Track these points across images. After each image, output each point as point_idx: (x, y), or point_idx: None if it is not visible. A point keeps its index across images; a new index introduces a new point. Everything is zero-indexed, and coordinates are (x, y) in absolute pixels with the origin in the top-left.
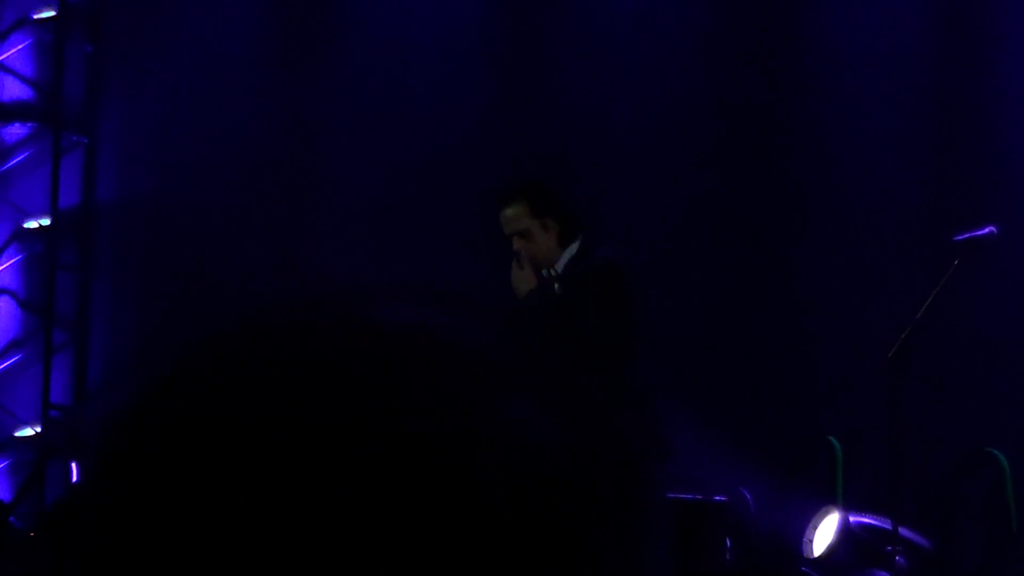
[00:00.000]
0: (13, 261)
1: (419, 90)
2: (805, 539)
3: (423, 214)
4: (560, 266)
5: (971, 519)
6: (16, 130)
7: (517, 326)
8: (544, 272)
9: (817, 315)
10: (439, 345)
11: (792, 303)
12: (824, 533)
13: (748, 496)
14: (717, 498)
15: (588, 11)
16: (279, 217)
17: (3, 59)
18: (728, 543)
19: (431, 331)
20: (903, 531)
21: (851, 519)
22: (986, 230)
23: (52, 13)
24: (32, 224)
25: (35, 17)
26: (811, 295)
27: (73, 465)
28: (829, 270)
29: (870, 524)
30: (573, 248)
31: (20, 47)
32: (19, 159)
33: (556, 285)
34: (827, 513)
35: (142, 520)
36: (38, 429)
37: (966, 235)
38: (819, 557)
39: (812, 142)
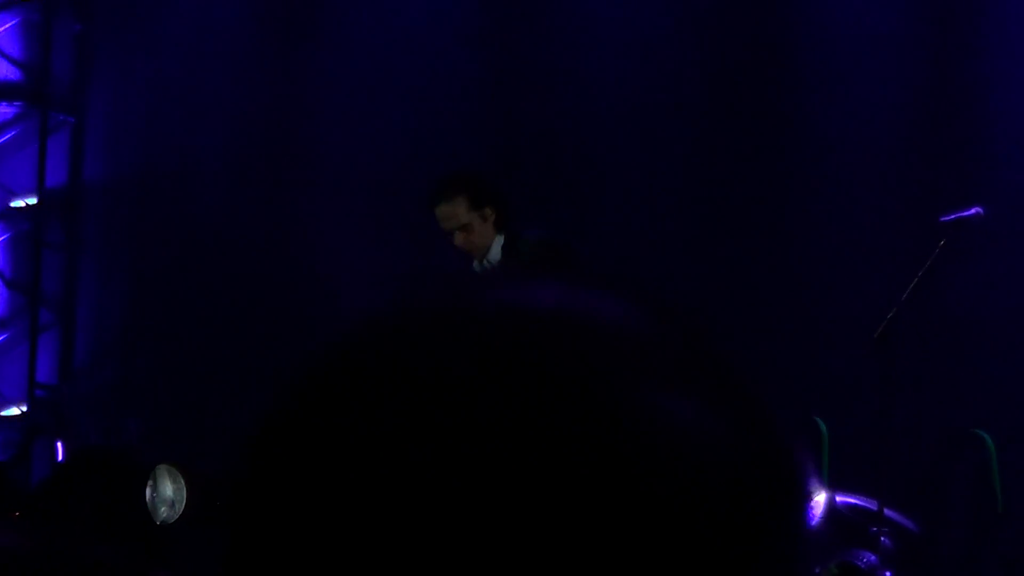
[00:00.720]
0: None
1: (409, 72)
2: None
3: (415, 195)
4: (493, 255)
5: (957, 500)
6: (3, 110)
7: (680, 314)
8: (477, 265)
9: (803, 295)
10: (604, 335)
11: (778, 283)
12: (810, 512)
13: None
14: None
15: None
16: (267, 197)
17: None
18: None
19: (595, 318)
20: (888, 512)
21: (837, 499)
22: (972, 211)
23: None
24: (19, 203)
25: None
26: (797, 275)
27: (59, 444)
28: (816, 250)
29: (856, 504)
30: (503, 235)
31: (7, 26)
32: (6, 138)
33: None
34: (813, 492)
35: (294, 523)
36: (24, 408)
37: (953, 216)
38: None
39: (798, 123)
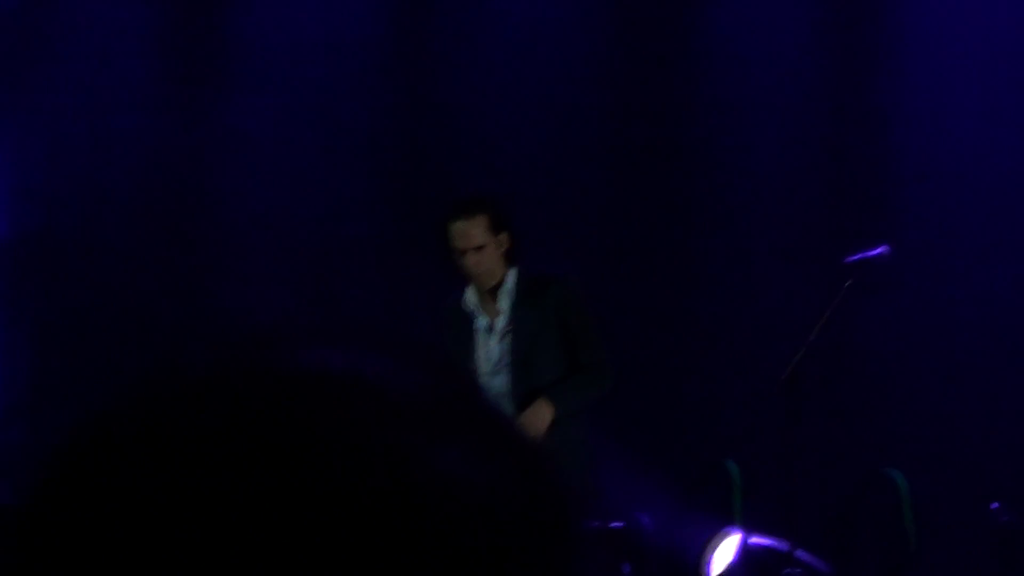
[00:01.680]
0: None
1: (317, 103)
2: (703, 560)
3: (327, 238)
4: (507, 288)
5: (869, 540)
6: None
7: (448, 371)
8: (472, 295)
9: (712, 336)
10: (368, 393)
11: (686, 324)
12: (723, 554)
13: (645, 520)
14: (614, 524)
15: (483, 16)
16: (178, 249)
17: None
18: (627, 569)
19: (359, 378)
20: (800, 553)
21: (749, 540)
22: (878, 250)
23: None
24: None
25: None
26: (705, 316)
27: None
28: (723, 290)
29: (768, 546)
30: (513, 268)
31: None
32: None
33: (500, 303)
34: (725, 535)
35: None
36: None
37: (858, 256)
38: None
39: (706, 158)
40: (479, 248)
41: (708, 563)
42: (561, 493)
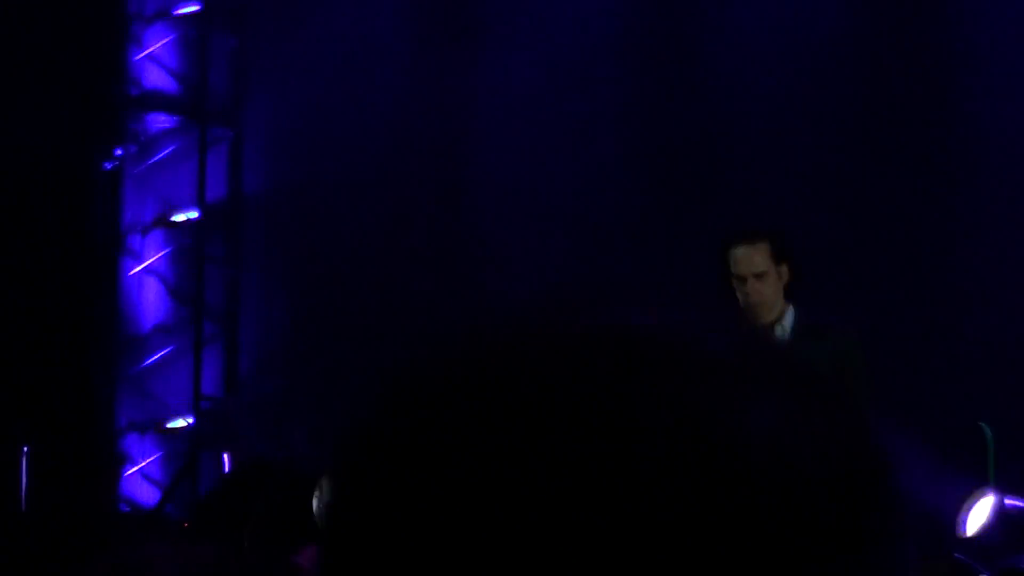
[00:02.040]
0: (162, 254)
1: (569, 78)
2: (959, 519)
3: (578, 209)
4: (786, 323)
5: None
6: (161, 120)
7: (755, 331)
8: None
9: (967, 301)
10: (683, 350)
11: (942, 287)
12: (978, 514)
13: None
14: None
15: None
16: (429, 207)
17: (148, 52)
18: None
19: (674, 335)
20: None
21: (1005, 502)
22: None
23: (196, 8)
24: (180, 217)
25: (178, 13)
26: (961, 278)
27: (225, 456)
28: (979, 256)
29: None
30: (789, 307)
31: (164, 41)
32: (165, 153)
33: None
34: (981, 495)
35: (384, 536)
36: (190, 420)
37: None
38: (973, 536)
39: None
40: (759, 275)
41: (963, 522)
42: (879, 453)
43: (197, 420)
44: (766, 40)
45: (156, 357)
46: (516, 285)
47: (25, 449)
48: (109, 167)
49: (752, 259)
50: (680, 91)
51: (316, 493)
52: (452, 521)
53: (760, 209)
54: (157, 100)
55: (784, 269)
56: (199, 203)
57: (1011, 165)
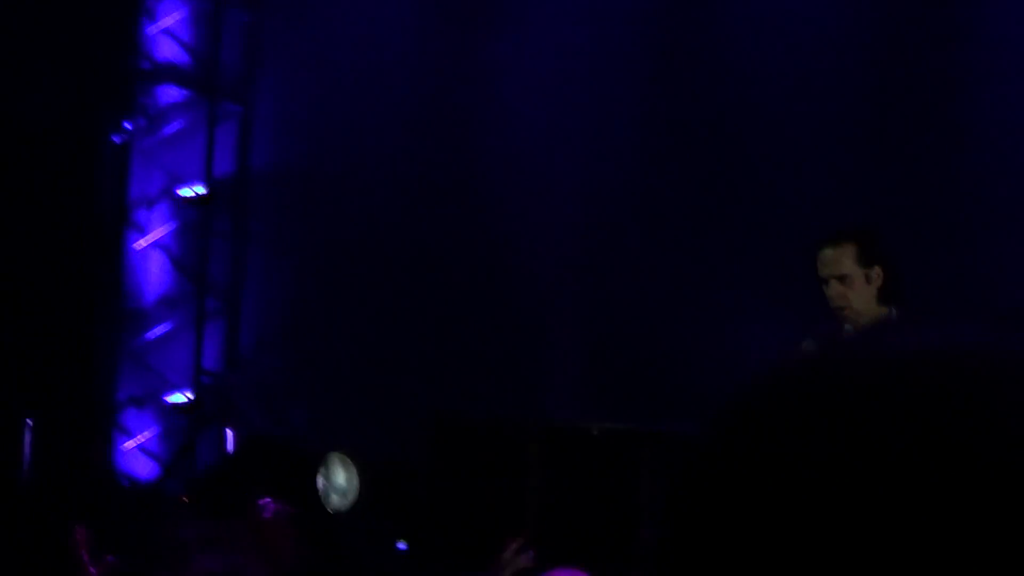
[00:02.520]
0: (168, 228)
1: (584, 62)
2: None
3: (590, 189)
4: None
5: None
6: (171, 93)
7: None
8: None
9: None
10: (997, 368)
11: (949, 281)
12: None
13: None
14: None
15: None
16: (438, 189)
17: (161, 25)
18: None
19: (991, 355)
20: None
21: None
22: None
23: None
24: (187, 191)
25: None
26: (970, 273)
27: (228, 433)
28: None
29: None
30: (893, 312)
31: (178, 15)
32: (175, 127)
33: None
34: None
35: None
36: (190, 395)
37: None
38: None
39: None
40: (842, 278)
41: None
42: None
43: (197, 395)
44: (783, 23)
45: (158, 331)
46: (524, 268)
47: (29, 422)
48: (118, 140)
49: (835, 261)
50: (698, 77)
51: (320, 472)
52: (803, 509)
53: (780, 202)
54: (168, 73)
55: (876, 272)
56: (206, 178)
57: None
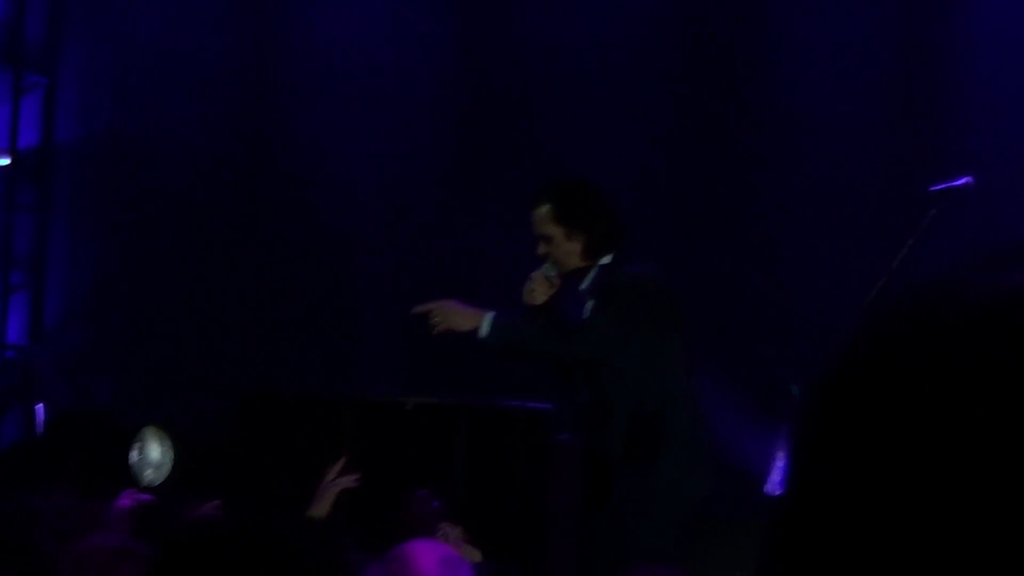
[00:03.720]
0: None
1: (388, 36)
2: (769, 479)
3: (389, 161)
4: (586, 282)
5: None
6: None
7: None
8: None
9: (796, 263)
10: None
11: (765, 255)
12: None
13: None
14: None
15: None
16: (239, 158)
17: None
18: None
19: None
20: None
21: None
22: (963, 180)
23: None
24: None
25: None
26: (787, 248)
27: (40, 408)
28: (804, 223)
29: None
30: (605, 261)
31: None
32: None
33: (587, 304)
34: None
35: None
36: None
37: (943, 185)
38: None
39: (786, 92)
40: (545, 238)
41: (775, 482)
42: None
43: (1, 370)
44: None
45: None
46: (336, 243)
47: None
48: None
49: (536, 222)
50: (495, 55)
51: (135, 446)
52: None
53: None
54: None
55: (575, 231)
56: (11, 150)
57: (835, 122)
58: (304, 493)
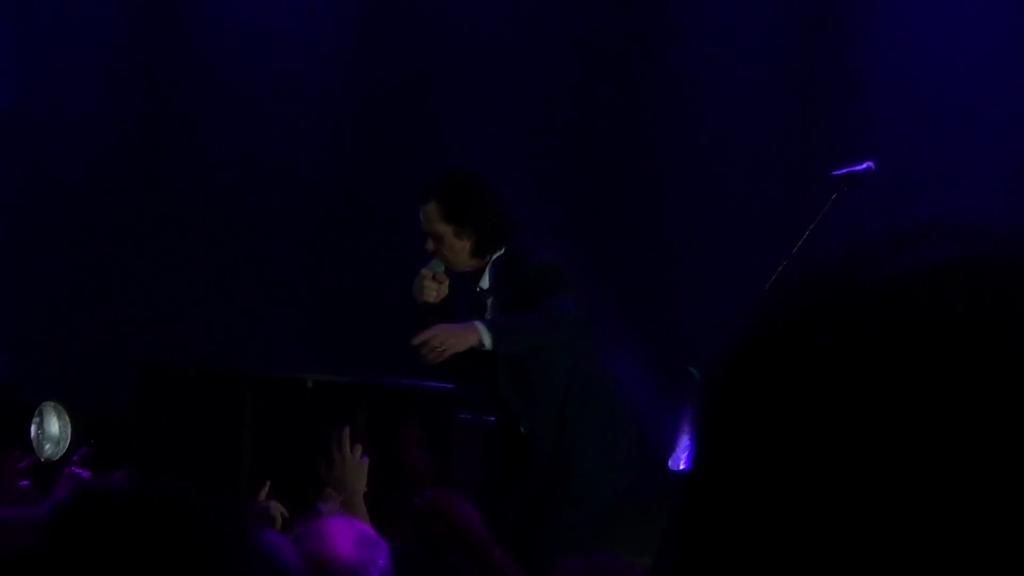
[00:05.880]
0: None
1: (295, 22)
2: (672, 456)
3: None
4: (485, 281)
5: None
6: None
7: None
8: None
9: (697, 250)
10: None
11: (666, 239)
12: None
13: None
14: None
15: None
16: (142, 135)
17: None
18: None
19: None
20: None
21: None
22: (864, 165)
23: None
24: None
25: None
26: (689, 231)
27: None
28: (706, 205)
29: None
30: (498, 255)
31: None
32: None
33: (488, 301)
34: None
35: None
36: None
37: (844, 170)
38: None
39: (686, 72)
40: (433, 236)
41: (677, 460)
42: None
43: None
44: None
45: None
46: (241, 217)
47: None
48: None
49: (424, 220)
50: (397, 43)
51: (34, 421)
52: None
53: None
54: None
55: (464, 229)
56: None
57: (736, 104)
58: (204, 466)
